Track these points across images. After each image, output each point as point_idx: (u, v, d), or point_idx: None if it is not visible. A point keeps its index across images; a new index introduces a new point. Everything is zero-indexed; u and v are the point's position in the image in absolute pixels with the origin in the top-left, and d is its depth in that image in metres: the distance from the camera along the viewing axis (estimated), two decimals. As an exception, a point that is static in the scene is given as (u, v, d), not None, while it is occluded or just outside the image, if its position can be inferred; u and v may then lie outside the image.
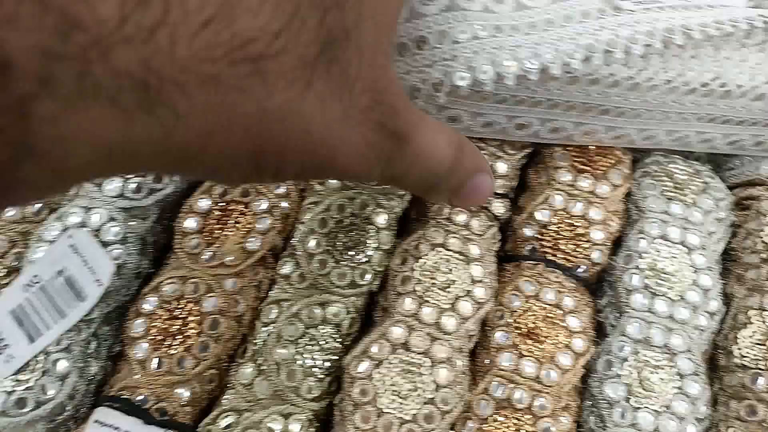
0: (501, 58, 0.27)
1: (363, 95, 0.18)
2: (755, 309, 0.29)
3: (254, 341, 0.30)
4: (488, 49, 0.27)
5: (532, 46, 0.27)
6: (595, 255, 0.32)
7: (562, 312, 0.30)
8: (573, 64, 0.28)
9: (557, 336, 0.30)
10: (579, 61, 0.28)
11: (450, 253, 0.31)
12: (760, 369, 0.28)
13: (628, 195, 0.33)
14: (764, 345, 0.28)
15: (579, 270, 0.31)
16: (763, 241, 0.30)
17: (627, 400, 0.28)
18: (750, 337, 0.29)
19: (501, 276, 0.32)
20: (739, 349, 0.29)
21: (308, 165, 0.18)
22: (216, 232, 0.31)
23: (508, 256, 0.33)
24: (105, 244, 0.31)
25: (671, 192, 0.32)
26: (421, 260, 0.30)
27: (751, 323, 0.29)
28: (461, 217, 0.32)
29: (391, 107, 0.20)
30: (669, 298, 0.30)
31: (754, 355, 0.28)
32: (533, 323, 0.30)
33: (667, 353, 0.29)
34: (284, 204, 0.32)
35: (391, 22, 0.20)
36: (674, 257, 0.30)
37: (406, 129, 0.20)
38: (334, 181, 0.32)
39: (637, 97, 0.31)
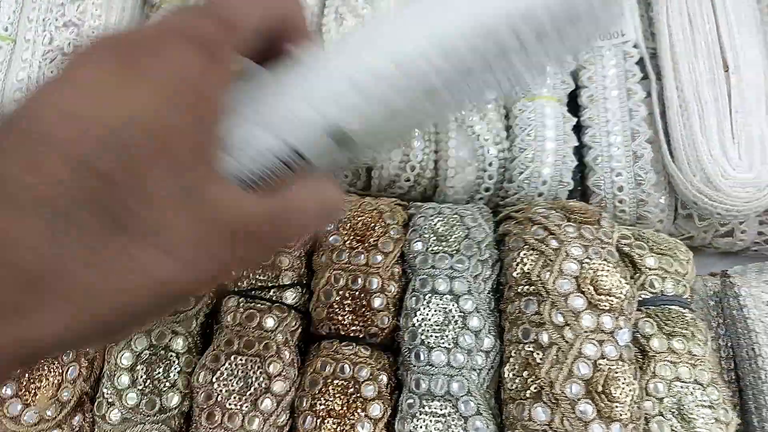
0: None
1: (179, 220, 0.18)
2: (514, 342, 0.31)
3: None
4: None
5: None
6: (383, 320, 0.34)
7: (357, 383, 0.33)
8: None
9: (355, 408, 0.32)
10: None
11: (246, 357, 0.33)
12: (521, 399, 0.30)
13: (403, 256, 0.36)
14: (522, 376, 0.30)
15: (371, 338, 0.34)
16: (513, 276, 0.32)
17: (421, 454, 0.31)
18: (512, 370, 0.31)
19: (307, 358, 0.34)
20: (506, 382, 0.31)
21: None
22: (31, 390, 0.33)
23: (312, 338, 0.35)
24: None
25: (436, 246, 0.35)
26: (218, 372, 0.32)
27: (512, 356, 0.31)
28: (253, 321, 0.34)
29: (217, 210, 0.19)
30: (444, 347, 0.32)
31: (516, 386, 0.31)
32: (331, 401, 0.32)
33: (449, 400, 0.31)
34: (89, 349, 0.34)
35: (185, 156, 0.19)
36: (444, 308, 0.33)
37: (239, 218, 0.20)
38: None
39: None
